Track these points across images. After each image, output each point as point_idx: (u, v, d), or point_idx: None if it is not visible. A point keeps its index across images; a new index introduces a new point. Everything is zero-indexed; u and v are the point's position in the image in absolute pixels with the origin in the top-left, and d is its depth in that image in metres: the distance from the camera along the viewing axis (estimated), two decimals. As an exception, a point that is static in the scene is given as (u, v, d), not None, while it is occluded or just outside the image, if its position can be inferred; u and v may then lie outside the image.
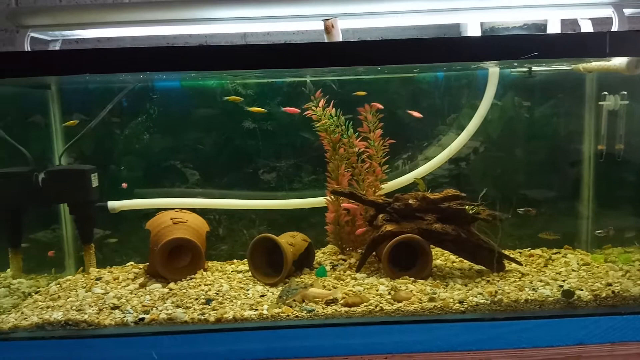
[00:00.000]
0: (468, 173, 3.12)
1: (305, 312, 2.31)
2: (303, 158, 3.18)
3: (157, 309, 2.39)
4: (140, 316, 2.33)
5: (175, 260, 2.73)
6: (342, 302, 2.37)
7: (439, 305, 2.32)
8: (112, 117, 3.03)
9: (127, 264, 3.10)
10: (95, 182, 2.79)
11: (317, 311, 2.31)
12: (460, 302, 2.33)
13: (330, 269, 2.84)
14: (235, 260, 3.15)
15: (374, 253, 2.80)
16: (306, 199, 3.07)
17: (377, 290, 2.49)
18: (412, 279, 2.61)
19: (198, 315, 2.32)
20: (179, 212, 2.85)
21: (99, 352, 2.21)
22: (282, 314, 2.30)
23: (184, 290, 2.56)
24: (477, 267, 2.72)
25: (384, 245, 2.63)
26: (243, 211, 3.15)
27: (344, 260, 2.92)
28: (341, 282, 2.63)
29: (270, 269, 2.75)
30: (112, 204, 2.99)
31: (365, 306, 2.34)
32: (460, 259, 2.78)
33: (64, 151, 2.93)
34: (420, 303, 2.34)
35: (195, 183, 3.17)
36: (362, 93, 2.82)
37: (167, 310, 2.38)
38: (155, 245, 2.63)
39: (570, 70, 2.82)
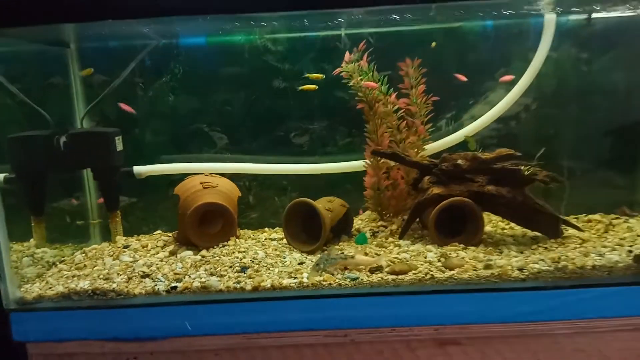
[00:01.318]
0: (518, 133, 2.85)
1: (348, 280, 2.13)
2: (338, 119, 2.97)
3: (189, 277, 2.25)
4: (173, 284, 2.16)
5: (206, 227, 2.57)
6: (387, 269, 2.21)
7: (497, 273, 2.10)
8: (135, 77, 2.78)
9: (154, 232, 2.87)
10: (119, 146, 2.61)
11: (362, 279, 2.12)
12: (520, 269, 2.11)
13: (371, 236, 2.65)
14: (266, 229, 2.97)
15: (417, 219, 2.53)
16: (342, 163, 2.88)
17: (425, 258, 2.29)
18: (461, 245, 2.37)
19: (233, 283, 2.17)
20: (208, 177, 2.66)
21: (129, 323, 2.06)
22: (324, 283, 2.12)
23: (217, 258, 2.41)
24: (531, 233, 2.49)
25: (430, 210, 2.44)
26: (274, 177, 2.96)
27: (385, 227, 2.70)
28: (383, 249, 2.44)
29: (307, 236, 2.61)
30: (138, 169, 2.83)
31: (413, 274, 2.15)
32: (511, 225, 2.55)
33: (86, 113, 2.73)
34: (475, 270, 2.13)
35: (224, 147, 3.00)
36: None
37: (201, 278, 2.24)
38: (185, 210, 2.44)
39: (636, 15, 2.52)
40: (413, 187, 2.60)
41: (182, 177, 2.79)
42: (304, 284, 2.13)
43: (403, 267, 2.20)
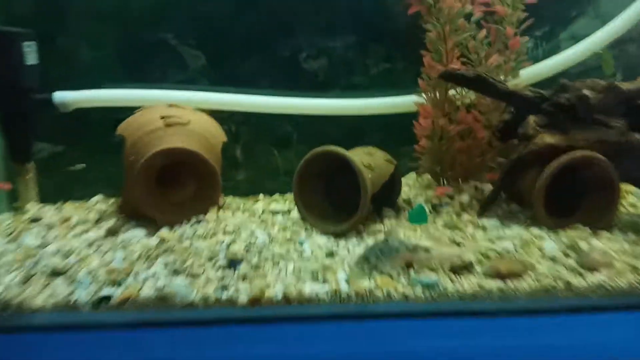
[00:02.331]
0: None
1: (419, 286, 1.41)
2: (371, 34, 2.22)
3: (136, 277, 1.43)
4: (104, 292, 1.37)
5: (169, 190, 1.77)
6: (484, 269, 1.48)
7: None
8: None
9: (92, 199, 2.08)
10: (31, 57, 1.87)
11: (443, 286, 1.42)
12: None
13: (430, 211, 1.90)
14: (261, 196, 2.16)
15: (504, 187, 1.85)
16: (376, 100, 2.14)
17: (542, 250, 1.57)
18: (586, 228, 1.67)
19: (216, 290, 1.38)
20: (175, 108, 1.85)
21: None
22: (377, 291, 1.39)
23: (187, 243, 1.58)
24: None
25: (535, 172, 1.72)
26: (273, 119, 2.20)
27: (450, 197, 1.96)
28: (457, 231, 1.72)
29: (332, 208, 1.85)
30: (62, 97, 1.95)
31: (533, 278, 1.44)
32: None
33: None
34: (638, 272, 1.42)
35: (200, 70, 2.18)
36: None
37: (157, 279, 1.41)
38: (135, 162, 1.68)
39: None
40: (501, 135, 1.89)
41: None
42: (342, 294, 1.39)
43: (513, 265, 1.46)
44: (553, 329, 1.39)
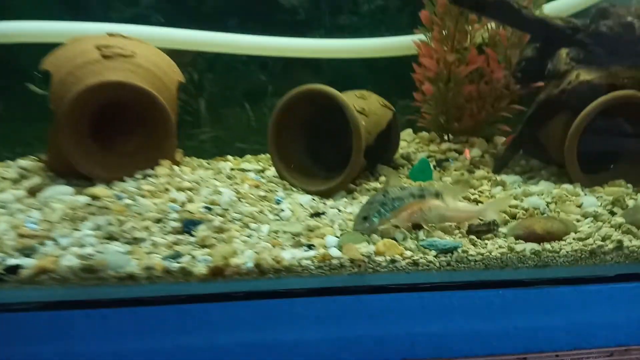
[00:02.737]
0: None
1: (433, 250, 1.10)
2: None
3: (55, 243, 1.08)
4: (11, 262, 1.01)
5: (108, 139, 1.41)
6: (513, 230, 1.18)
7: None
8: None
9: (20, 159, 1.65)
10: None
11: (464, 249, 1.11)
12: None
13: (434, 167, 1.62)
14: (229, 157, 1.81)
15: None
16: (367, 40, 1.85)
17: (581, 207, 1.28)
18: (629, 185, 1.39)
19: (165, 259, 1.04)
20: (117, 38, 1.48)
21: None
22: (378, 258, 1.08)
23: (128, 201, 1.22)
24: None
25: (564, 119, 1.44)
26: (243, 62, 1.90)
27: (457, 152, 1.67)
28: (474, 192, 1.41)
29: (317, 163, 1.55)
30: None
31: (577, 239, 1.16)
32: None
33: None
34: None
35: (152, 5, 1.83)
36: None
37: (83, 245, 1.07)
38: (61, 102, 1.31)
39: None
40: (521, 77, 1.58)
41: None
42: (333, 262, 1.07)
43: (550, 224, 1.16)
44: (603, 301, 1.09)
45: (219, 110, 1.98)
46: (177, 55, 1.87)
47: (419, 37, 1.78)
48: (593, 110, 1.36)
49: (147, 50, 1.47)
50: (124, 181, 1.31)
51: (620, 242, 1.10)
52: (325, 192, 1.43)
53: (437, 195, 1.17)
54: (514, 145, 1.48)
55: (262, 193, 1.32)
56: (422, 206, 1.16)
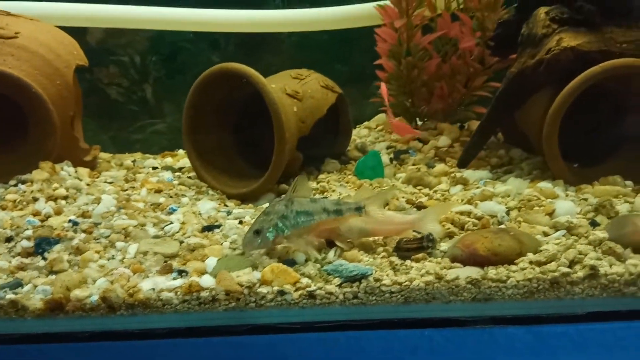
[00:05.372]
0: None
1: (335, 277, 0.85)
2: None
3: None
4: None
5: None
6: (451, 249, 0.90)
7: None
8: None
9: None
10: None
11: (375, 275, 0.85)
12: None
13: (392, 161, 1.34)
14: (180, 152, 1.57)
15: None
16: (322, 9, 1.57)
17: (552, 214, 0.99)
18: (627, 183, 1.10)
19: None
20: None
21: None
22: (262, 288, 0.84)
23: None
24: None
25: (547, 97, 1.13)
26: (195, 45, 1.72)
27: (421, 141, 1.38)
28: (430, 194, 1.15)
29: (248, 161, 1.30)
30: None
31: (534, 263, 0.86)
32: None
33: None
34: None
35: None
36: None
37: None
38: None
39: None
40: (496, 46, 1.27)
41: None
42: (204, 292, 0.84)
43: (503, 243, 0.86)
44: (568, 348, 0.80)
45: (168, 97, 1.79)
46: (112, 35, 1.69)
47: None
48: (580, 85, 1.05)
49: (36, 29, 1.26)
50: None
51: (594, 268, 0.81)
52: (248, 195, 1.19)
53: (359, 210, 0.91)
54: (481, 133, 1.17)
55: (162, 199, 1.10)
56: (339, 225, 0.91)
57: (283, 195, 1.05)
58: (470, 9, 1.31)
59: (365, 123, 1.64)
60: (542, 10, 1.12)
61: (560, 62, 1.09)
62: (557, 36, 1.11)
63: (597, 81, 1.07)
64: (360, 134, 1.48)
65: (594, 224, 0.94)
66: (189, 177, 1.25)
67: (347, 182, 1.22)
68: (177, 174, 1.32)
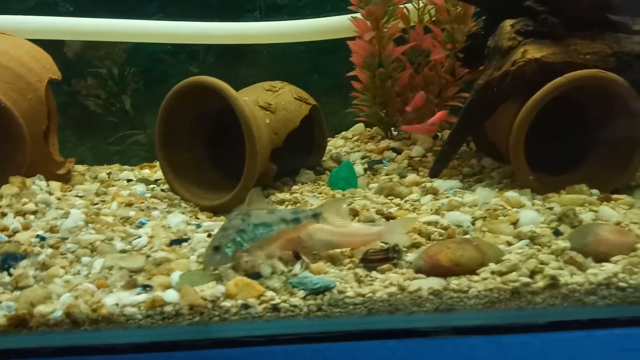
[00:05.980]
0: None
1: (299, 290, 0.86)
2: None
3: None
4: None
5: None
6: (416, 262, 0.91)
7: None
8: None
9: None
10: None
11: (338, 287, 0.86)
12: None
13: (366, 171, 1.39)
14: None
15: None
16: (299, 22, 1.61)
17: (515, 224, 1.02)
18: (593, 192, 1.13)
19: None
20: None
21: None
22: (226, 302, 0.83)
23: None
24: None
25: (515, 108, 1.16)
26: (173, 56, 1.73)
27: (395, 151, 1.41)
28: (397, 204, 1.17)
29: (223, 173, 1.32)
30: None
31: (495, 273, 0.88)
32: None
33: None
34: None
35: None
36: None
37: None
38: None
39: None
40: (466, 58, 1.29)
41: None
42: (167, 307, 0.83)
43: (465, 253, 0.88)
44: (529, 358, 0.81)
45: (148, 108, 1.80)
46: (90, 47, 1.69)
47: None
48: (545, 96, 1.06)
49: (7, 44, 1.26)
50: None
51: (554, 278, 0.82)
52: (220, 207, 1.20)
53: (316, 216, 0.92)
54: (451, 143, 1.19)
55: (132, 213, 1.10)
56: (299, 233, 0.92)
57: (238, 210, 1.05)
58: (441, 21, 1.33)
59: (342, 133, 1.66)
60: (507, 23, 1.14)
61: (526, 73, 1.10)
62: (522, 48, 1.13)
63: (562, 92, 1.10)
64: (336, 144, 1.50)
65: (557, 233, 0.95)
66: (163, 190, 1.26)
67: (320, 193, 1.23)
68: (151, 186, 1.33)
